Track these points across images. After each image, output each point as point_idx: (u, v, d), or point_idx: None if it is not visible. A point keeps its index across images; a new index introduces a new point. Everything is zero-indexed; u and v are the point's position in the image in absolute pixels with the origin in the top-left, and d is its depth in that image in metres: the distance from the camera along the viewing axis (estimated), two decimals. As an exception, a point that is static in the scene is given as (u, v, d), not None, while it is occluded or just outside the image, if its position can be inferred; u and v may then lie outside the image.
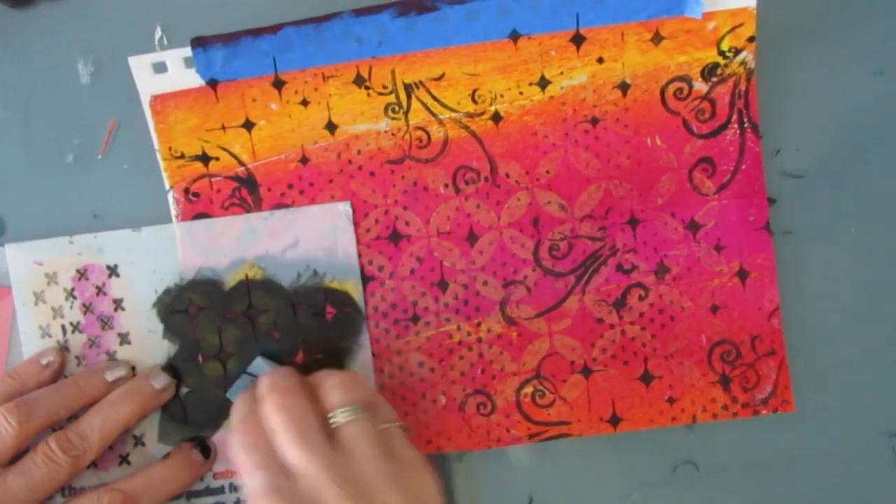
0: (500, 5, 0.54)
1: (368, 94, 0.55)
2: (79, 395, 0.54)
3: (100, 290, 0.56)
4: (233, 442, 0.50)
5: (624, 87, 0.55)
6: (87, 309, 0.56)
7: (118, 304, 0.56)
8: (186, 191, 0.56)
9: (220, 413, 0.57)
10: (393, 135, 0.56)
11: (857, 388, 0.58)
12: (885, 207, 0.57)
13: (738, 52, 0.55)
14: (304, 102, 0.55)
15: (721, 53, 0.55)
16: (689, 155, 0.56)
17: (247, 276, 0.56)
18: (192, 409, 0.57)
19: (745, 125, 0.56)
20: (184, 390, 0.57)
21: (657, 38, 0.55)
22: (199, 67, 0.55)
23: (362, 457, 0.48)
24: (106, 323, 0.56)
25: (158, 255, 0.56)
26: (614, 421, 0.57)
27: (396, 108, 0.55)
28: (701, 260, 0.57)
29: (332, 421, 0.50)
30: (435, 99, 0.55)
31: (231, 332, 0.56)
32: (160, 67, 0.55)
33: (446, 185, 0.56)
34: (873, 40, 0.57)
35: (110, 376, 0.55)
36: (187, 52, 0.54)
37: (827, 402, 0.58)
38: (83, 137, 0.57)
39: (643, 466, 0.58)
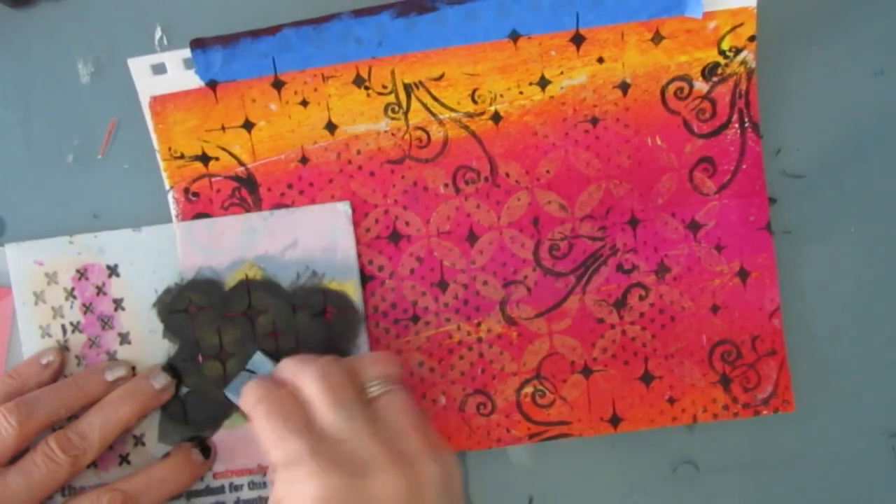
0: (500, 5, 0.54)
1: (368, 95, 0.55)
2: (79, 395, 0.54)
3: (100, 290, 0.56)
4: (258, 414, 0.49)
5: (624, 87, 0.55)
6: (87, 309, 0.56)
7: (118, 303, 0.56)
8: (186, 191, 0.56)
9: (220, 413, 0.57)
10: (393, 135, 0.56)
11: (858, 388, 0.58)
12: (885, 207, 0.57)
13: (738, 51, 0.55)
14: (304, 103, 0.55)
15: (721, 53, 0.55)
16: (689, 155, 0.56)
17: (247, 276, 0.56)
18: (192, 409, 0.57)
19: (746, 125, 0.56)
20: (184, 390, 0.56)
21: (657, 38, 0.55)
22: (198, 69, 0.55)
23: (401, 424, 0.49)
24: (106, 323, 0.56)
25: (158, 255, 0.56)
26: (614, 421, 0.57)
27: (396, 108, 0.55)
28: (701, 260, 0.57)
29: (369, 391, 0.50)
30: (435, 99, 0.55)
31: (231, 332, 0.56)
32: (159, 69, 0.55)
33: (446, 185, 0.56)
34: (873, 40, 0.57)
35: (110, 376, 0.55)
36: (186, 53, 0.54)
37: (827, 402, 0.58)
38: (83, 137, 0.57)
39: (643, 466, 0.58)
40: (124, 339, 0.57)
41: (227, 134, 0.56)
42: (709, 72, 0.55)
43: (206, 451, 0.56)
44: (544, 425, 0.57)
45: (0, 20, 0.57)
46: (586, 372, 0.57)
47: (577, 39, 0.55)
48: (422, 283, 0.57)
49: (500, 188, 0.56)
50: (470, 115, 0.56)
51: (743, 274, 0.57)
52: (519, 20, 0.54)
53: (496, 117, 0.56)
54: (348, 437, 0.48)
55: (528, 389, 0.57)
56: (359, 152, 0.56)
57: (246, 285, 0.56)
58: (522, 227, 0.56)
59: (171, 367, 0.56)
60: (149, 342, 0.57)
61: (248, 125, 0.55)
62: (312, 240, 0.56)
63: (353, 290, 0.56)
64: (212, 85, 0.55)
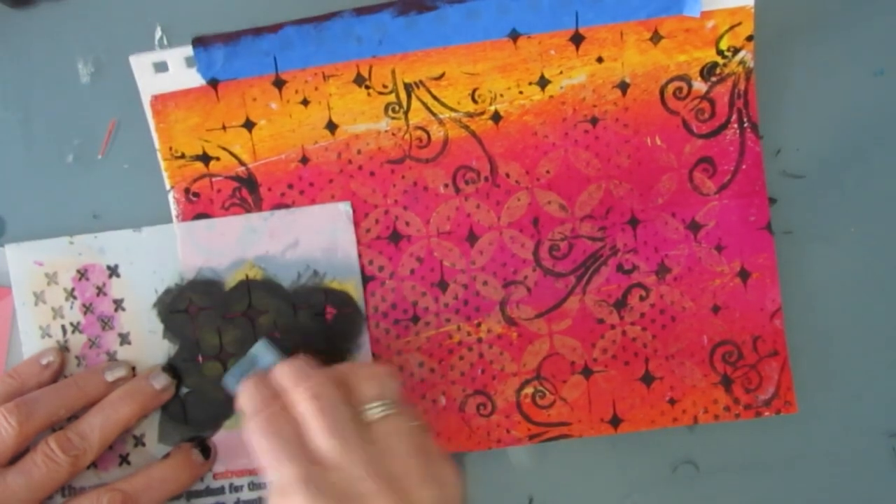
0: (500, 4, 0.54)
1: (368, 94, 0.55)
2: (79, 395, 0.54)
3: (100, 291, 0.56)
4: (254, 429, 0.48)
5: (623, 87, 0.55)
6: (87, 309, 0.56)
7: (118, 304, 0.56)
8: (187, 191, 0.56)
9: (220, 413, 0.57)
10: (393, 134, 0.56)
11: (858, 389, 0.58)
12: (886, 207, 0.57)
13: (736, 51, 0.55)
14: (305, 102, 0.55)
15: (720, 53, 0.55)
16: (689, 155, 0.56)
17: (247, 277, 0.56)
18: (192, 409, 0.57)
19: (745, 125, 0.56)
20: (184, 390, 0.56)
21: (656, 38, 0.55)
22: (200, 67, 0.55)
23: (398, 452, 0.47)
24: (106, 323, 0.56)
25: (159, 256, 0.56)
26: (615, 422, 0.57)
27: (396, 108, 0.55)
28: (702, 260, 0.57)
29: (367, 414, 0.48)
30: (435, 98, 0.55)
31: (231, 332, 0.56)
32: (161, 67, 0.55)
33: (446, 185, 0.56)
34: (873, 40, 0.57)
35: (110, 376, 0.55)
36: (188, 51, 0.55)
37: (828, 402, 0.58)
38: (83, 137, 0.57)
39: (643, 467, 0.58)
40: (124, 339, 0.56)
41: (227, 133, 0.56)
42: (707, 72, 0.55)
43: (206, 451, 0.56)
44: (544, 426, 0.57)
45: (0, 20, 0.57)
46: (586, 372, 0.57)
47: (577, 39, 0.55)
48: (422, 284, 0.57)
49: (500, 188, 0.56)
50: (470, 115, 0.56)
51: (744, 274, 0.57)
52: (519, 19, 0.54)
53: (496, 117, 0.56)
54: (342, 464, 0.46)
55: (529, 390, 0.57)
56: (359, 152, 0.56)
57: (246, 285, 0.56)
58: (522, 227, 0.56)
59: (171, 368, 0.56)
60: (149, 342, 0.56)
61: (248, 124, 0.56)
62: (313, 240, 0.56)
63: (354, 289, 0.56)
64: (213, 83, 0.55)
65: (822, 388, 0.58)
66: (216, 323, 0.56)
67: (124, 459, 0.57)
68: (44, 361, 0.55)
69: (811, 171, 0.57)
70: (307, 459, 0.46)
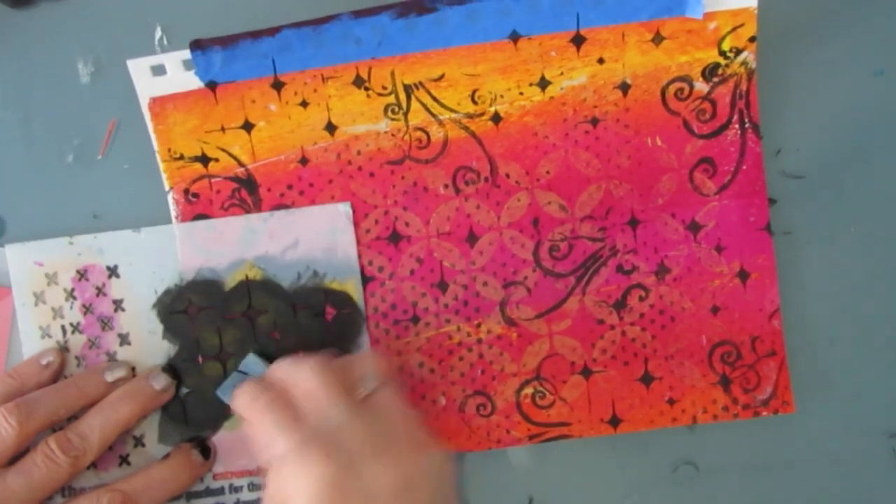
0: (500, 6, 0.54)
1: (368, 95, 0.55)
2: (79, 396, 0.54)
3: (100, 291, 0.56)
4: (254, 412, 0.50)
5: (624, 88, 0.55)
6: (87, 309, 0.56)
7: (118, 304, 0.56)
8: (186, 191, 0.56)
9: (220, 414, 0.57)
10: (393, 135, 0.56)
11: (858, 389, 0.58)
12: (885, 207, 0.57)
13: (739, 52, 0.55)
14: (304, 103, 0.55)
15: (722, 53, 0.55)
16: (689, 155, 0.56)
17: (247, 277, 0.56)
18: (192, 410, 0.57)
19: (746, 125, 0.56)
20: (184, 390, 0.57)
21: (658, 39, 0.55)
22: (198, 70, 0.55)
23: (391, 418, 0.50)
24: (106, 323, 0.56)
25: (158, 256, 0.56)
26: (614, 422, 0.57)
27: (396, 109, 0.55)
28: (701, 260, 0.57)
29: (360, 389, 0.51)
30: (435, 99, 0.55)
31: (231, 332, 0.56)
32: (159, 70, 0.55)
33: (446, 186, 0.56)
34: (873, 40, 0.57)
35: (110, 377, 0.55)
36: (186, 54, 0.54)
37: (827, 402, 0.58)
38: (83, 137, 0.57)
39: (643, 467, 0.58)
40: (124, 339, 0.57)
41: (226, 135, 0.56)
42: (709, 72, 0.55)
43: (206, 451, 0.56)
44: (544, 426, 0.57)
45: (0, 20, 0.56)
46: (586, 373, 0.57)
47: (578, 40, 0.55)
48: (422, 284, 0.57)
49: (500, 189, 0.56)
50: (470, 116, 0.55)
51: (743, 275, 0.57)
52: (519, 21, 0.54)
53: (496, 118, 0.56)
54: (343, 432, 0.48)
55: (528, 390, 0.57)
56: (359, 153, 0.56)
57: (246, 286, 0.56)
58: (522, 227, 0.56)
59: (171, 368, 0.56)
60: (149, 343, 0.57)
61: (247, 126, 0.55)
62: (313, 240, 0.56)
63: (353, 289, 0.56)
64: (211, 86, 0.55)
65: (822, 388, 0.58)
66: (216, 323, 0.56)
67: (124, 460, 0.57)
68: (44, 361, 0.55)
69: (811, 171, 0.57)
70: (311, 425, 0.48)
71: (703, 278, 0.57)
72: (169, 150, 0.56)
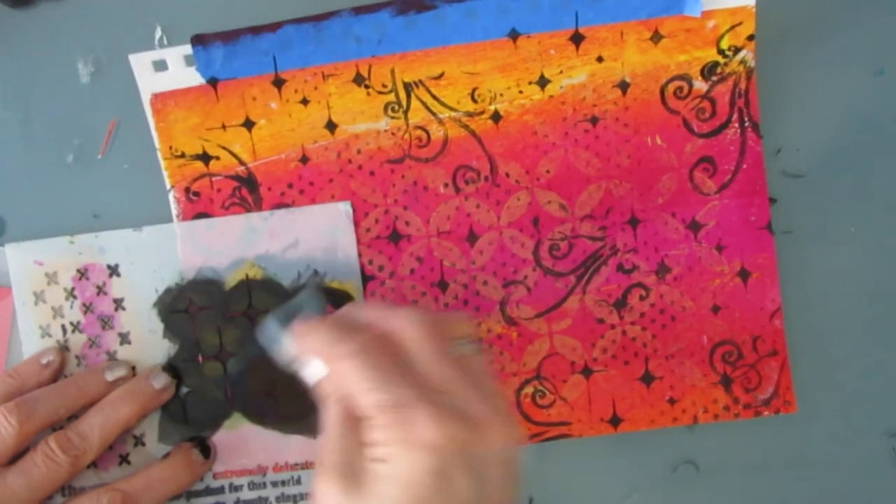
0: (500, 4, 0.54)
1: (368, 94, 0.55)
2: (79, 395, 0.54)
3: (100, 290, 0.56)
4: (345, 354, 0.45)
5: (624, 86, 0.55)
6: (87, 309, 0.56)
7: (118, 303, 0.56)
8: (187, 190, 0.56)
9: (220, 413, 0.57)
10: (393, 134, 0.56)
11: (858, 388, 0.58)
12: (886, 207, 0.57)
13: (737, 50, 0.55)
14: (304, 101, 0.55)
15: (720, 52, 0.55)
16: (689, 154, 0.56)
17: (247, 276, 0.56)
18: (192, 409, 0.56)
19: (746, 124, 0.56)
20: (184, 390, 0.56)
21: (657, 37, 0.55)
22: (199, 66, 0.55)
23: (488, 385, 0.46)
24: (106, 323, 0.56)
25: (159, 255, 0.56)
26: (615, 421, 0.57)
27: (396, 108, 0.55)
28: (702, 260, 0.57)
29: (457, 348, 0.47)
30: (434, 98, 0.55)
31: (231, 331, 0.56)
32: (161, 65, 0.55)
33: (446, 185, 0.56)
34: (873, 40, 0.57)
35: (110, 376, 0.55)
36: (188, 49, 0.54)
37: (828, 402, 0.58)
38: (83, 137, 0.57)
39: (643, 466, 0.58)
40: (124, 339, 0.56)
41: (227, 132, 0.56)
42: (708, 71, 0.55)
43: (206, 451, 0.56)
44: (544, 426, 0.57)
45: (0, 20, 0.57)
46: (586, 372, 0.57)
47: (577, 38, 0.55)
48: (422, 283, 0.57)
49: (500, 188, 0.56)
50: (470, 115, 0.56)
51: (744, 274, 0.57)
52: (518, 19, 0.54)
53: (496, 117, 0.56)
54: (453, 389, 0.44)
55: (528, 390, 0.57)
56: (359, 152, 0.56)
57: (246, 285, 0.56)
58: (522, 227, 0.56)
59: (171, 367, 0.56)
60: (149, 342, 0.56)
61: (248, 124, 0.56)
62: (313, 239, 0.56)
63: (354, 289, 0.56)
64: (213, 82, 0.55)
65: (822, 388, 0.58)
66: (216, 322, 0.56)
67: (124, 459, 0.57)
68: (44, 361, 0.55)
69: (811, 171, 0.57)
70: (418, 382, 0.44)
71: (703, 278, 0.57)
72: (170, 147, 0.56)
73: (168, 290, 0.56)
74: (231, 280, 0.56)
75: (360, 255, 0.56)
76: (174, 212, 0.56)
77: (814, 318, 0.58)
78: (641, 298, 0.57)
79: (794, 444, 0.58)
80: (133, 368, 0.56)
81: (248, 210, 0.56)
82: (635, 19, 0.54)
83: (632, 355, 0.57)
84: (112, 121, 0.57)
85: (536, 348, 0.57)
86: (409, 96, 0.55)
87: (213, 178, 0.56)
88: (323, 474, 0.44)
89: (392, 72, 0.55)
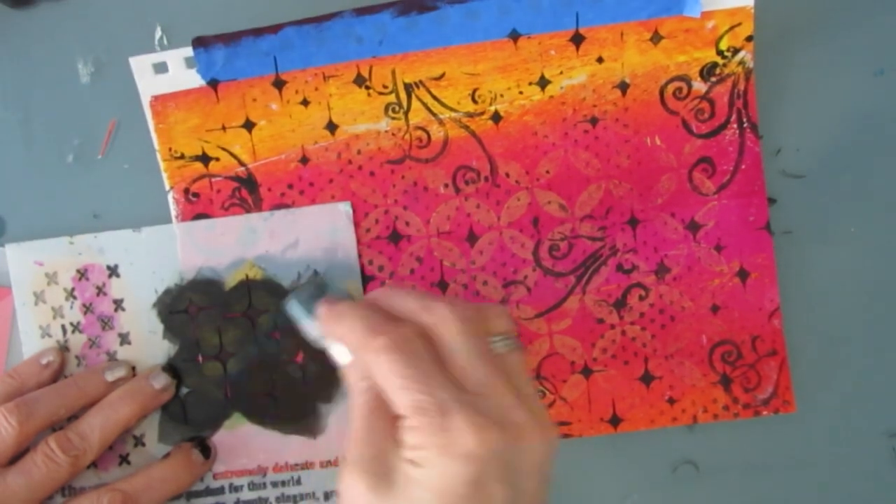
0: (500, 5, 0.54)
1: (369, 94, 0.55)
2: (79, 395, 0.54)
3: (100, 291, 0.56)
4: (380, 348, 0.43)
5: (623, 87, 0.55)
6: (87, 309, 0.56)
7: (118, 304, 0.56)
8: (186, 191, 0.56)
9: (220, 413, 0.57)
10: (393, 135, 0.56)
11: (858, 388, 0.58)
12: (886, 207, 0.57)
13: (736, 51, 0.55)
14: (305, 102, 0.55)
15: (719, 53, 0.55)
16: (688, 155, 0.56)
17: (247, 276, 0.56)
18: (192, 409, 0.57)
19: (745, 125, 0.56)
20: (184, 390, 0.56)
21: (656, 38, 0.55)
22: (200, 67, 0.55)
23: (527, 386, 0.45)
24: (106, 323, 0.56)
25: (159, 256, 0.56)
26: (615, 421, 0.57)
27: (397, 108, 0.55)
28: (701, 260, 0.57)
29: (496, 345, 0.45)
30: (435, 98, 0.55)
31: (231, 332, 0.56)
32: (161, 68, 0.55)
33: (446, 185, 0.56)
34: (873, 40, 0.57)
35: (110, 376, 0.55)
36: (188, 52, 0.54)
37: (827, 402, 0.58)
38: (83, 137, 0.57)
39: (643, 466, 0.58)
40: (124, 339, 0.56)
41: (227, 134, 0.56)
42: (707, 72, 0.55)
43: (206, 451, 0.56)
44: (544, 425, 0.57)
45: (0, 20, 0.57)
46: (586, 372, 0.57)
47: (577, 39, 0.55)
48: (422, 284, 0.57)
49: (500, 188, 0.56)
50: (470, 115, 0.56)
51: (743, 274, 0.57)
52: (519, 19, 0.54)
53: (496, 117, 0.56)
54: (492, 392, 0.42)
55: (529, 389, 0.57)
56: (359, 152, 0.56)
57: (246, 285, 0.56)
58: (522, 227, 0.56)
59: (171, 368, 0.56)
60: (149, 342, 0.56)
61: (248, 125, 0.55)
62: (313, 240, 0.56)
63: (354, 289, 0.56)
64: (213, 84, 0.55)
65: (822, 388, 0.58)
66: (216, 323, 0.56)
67: (124, 459, 0.57)
68: (44, 361, 0.55)
69: (811, 171, 0.57)
70: (455, 385, 0.42)
71: (702, 278, 0.57)
72: (170, 149, 0.56)
73: (168, 291, 0.56)
74: (231, 280, 0.56)
75: (360, 255, 0.56)
76: (173, 212, 0.56)
77: (813, 318, 0.58)
78: (641, 298, 0.57)
79: (794, 443, 0.58)
80: (133, 369, 0.56)
81: (248, 211, 0.56)
82: (635, 20, 0.54)
83: (631, 355, 0.57)
84: (112, 121, 0.57)
85: (536, 348, 0.57)
86: (409, 97, 0.55)
87: (213, 179, 0.56)
88: (350, 466, 0.43)
89: (393, 72, 0.55)
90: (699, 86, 0.55)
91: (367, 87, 0.55)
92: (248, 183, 0.56)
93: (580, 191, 0.56)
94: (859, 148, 0.57)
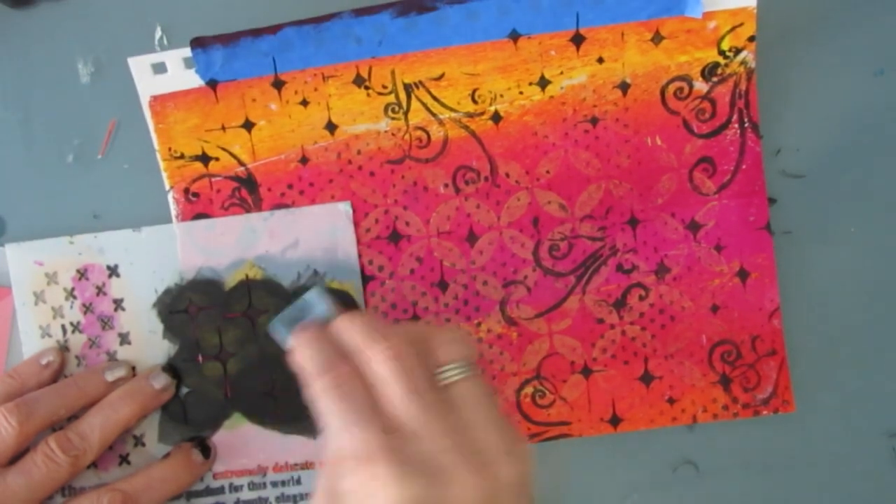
0: (500, 5, 0.54)
1: (368, 94, 0.55)
2: (79, 395, 0.54)
3: (100, 290, 0.56)
4: (321, 390, 0.44)
5: (624, 87, 0.55)
6: (87, 309, 0.56)
7: (118, 304, 0.56)
8: (186, 191, 0.56)
9: (220, 413, 0.57)
10: (393, 135, 0.56)
11: (857, 388, 0.58)
12: (886, 207, 0.57)
13: (738, 51, 0.55)
14: (304, 102, 0.55)
15: (721, 53, 0.55)
16: (689, 155, 0.56)
17: (247, 276, 0.56)
18: (192, 409, 0.57)
19: (746, 125, 0.56)
20: (184, 390, 0.56)
21: (657, 38, 0.55)
22: (198, 68, 0.55)
23: (479, 421, 0.43)
24: (106, 323, 0.56)
25: (158, 256, 0.56)
26: (614, 421, 0.57)
27: (396, 108, 0.55)
28: (701, 260, 0.57)
29: (444, 375, 0.44)
30: (435, 99, 0.55)
31: (231, 332, 0.56)
32: (160, 68, 0.55)
33: (446, 185, 0.56)
34: (873, 40, 0.57)
35: (110, 376, 0.55)
36: (187, 52, 0.54)
37: (827, 402, 0.58)
38: (83, 137, 0.57)
39: (643, 466, 0.58)
40: (124, 339, 0.56)
41: (227, 134, 0.56)
42: (708, 72, 0.55)
43: (206, 451, 0.56)
44: (544, 425, 0.57)
45: (0, 20, 0.57)
46: (586, 372, 0.57)
47: (577, 39, 0.55)
48: (422, 284, 0.57)
49: (500, 188, 0.56)
50: (470, 115, 0.56)
51: (743, 274, 0.57)
52: (519, 20, 0.54)
53: (496, 117, 0.56)
54: (423, 433, 0.42)
55: (528, 390, 0.57)
56: (359, 152, 0.56)
57: (246, 285, 0.56)
58: (522, 227, 0.56)
59: (171, 368, 0.56)
60: (149, 342, 0.56)
61: (248, 125, 0.55)
62: (313, 240, 0.56)
63: (354, 289, 0.56)
64: (212, 84, 0.55)
65: (822, 388, 0.58)
66: (216, 323, 0.56)
67: (124, 459, 0.57)
68: (44, 361, 0.55)
69: (811, 171, 0.57)
70: (385, 426, 0.42)
71: (702, 277, 0.57)
72: (169, 149, 0.56)
73: (168, 291, 0.56)
74: (231, 280, 0.56)
75: (360, 255, 0.56)
76: (173, 212, 0.56)
77: (813, 318, 0.58)
78: (641, 298, 0.57)
79: (794, 443, 0.58)
80: (133, 368, 0.56)
81: (248, 210, 0.56)
82: (636, 20, 0.54)
83: (631, 355, 0.57)
84: (112, 121, 0.57)
85: (536, 348, 0.57)
86: (409, 97, 0.55)
87: (213, 179, 0.56)
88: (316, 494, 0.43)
89: (392, 73, 0.55)
90: (700, 86, 0.55)
91: (367, 88, 0.55)
92: (247, 183, 0.56)
93: (580, 191, 0.56)
94: (859, 148, 0.57)
